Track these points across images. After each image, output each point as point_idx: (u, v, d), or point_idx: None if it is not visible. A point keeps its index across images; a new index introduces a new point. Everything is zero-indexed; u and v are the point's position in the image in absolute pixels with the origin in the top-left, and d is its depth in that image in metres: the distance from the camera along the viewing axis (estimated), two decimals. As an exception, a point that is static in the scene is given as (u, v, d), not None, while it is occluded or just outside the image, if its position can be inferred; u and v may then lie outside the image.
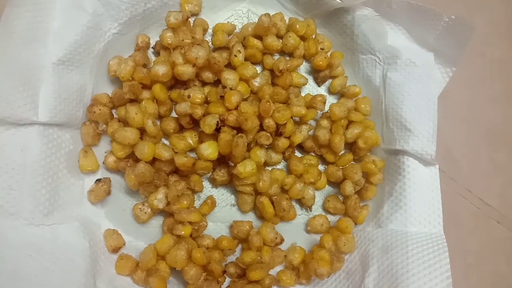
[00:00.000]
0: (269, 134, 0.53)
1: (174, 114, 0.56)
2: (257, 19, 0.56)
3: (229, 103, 0.51)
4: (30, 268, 0.44)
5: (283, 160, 0.58)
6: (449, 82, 0.57)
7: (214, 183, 0.56)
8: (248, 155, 0.52)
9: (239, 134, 0.50)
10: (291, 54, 0.60)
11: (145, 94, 0.54)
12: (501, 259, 0.62)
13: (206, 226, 0.54)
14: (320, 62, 0.58)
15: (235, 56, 0.55)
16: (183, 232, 0.50)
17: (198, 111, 0.51)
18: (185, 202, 0.52)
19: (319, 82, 0.61)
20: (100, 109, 0.52)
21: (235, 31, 0.59)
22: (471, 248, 0.61)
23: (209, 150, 0.51)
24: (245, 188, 0.54)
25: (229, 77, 0.53)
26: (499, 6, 0.68)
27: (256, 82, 0.56)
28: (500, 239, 0.62)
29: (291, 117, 0.54)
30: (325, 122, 0.57)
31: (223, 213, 0.56)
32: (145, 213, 0.52)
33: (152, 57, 0.58)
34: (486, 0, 0.68)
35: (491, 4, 0.68)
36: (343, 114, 0.56)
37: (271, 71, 0.57)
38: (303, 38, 0.59)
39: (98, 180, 0.52)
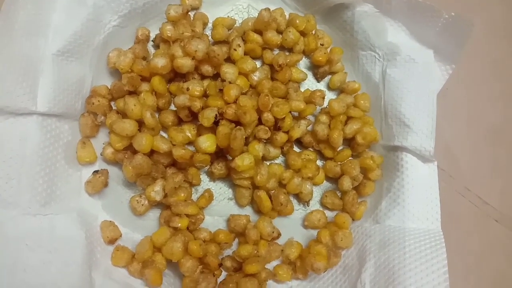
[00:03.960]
0: (267, 128, 0.53)
1: (173, 107, 0.56)
2: (257, 14, 0.56)
3: (228, 97, 0.51)
4: (27, 257, 0.44)
5: (281, 155, 0.57)
6: (449, 81, 0.57)
7: (212, 176, 0.56)
8: (246, 149, 0.52)
9: (237, 127, 0.50)
10: (290, 50, 0.60)
11: (144, 86, 0.54)
12: (501, 258, 0.61)
13: (203, 219, 0.54)
14: (320, 58, 0.58)
15: (235, 50, 0.55)
16: (179, 224, 0.50)
17: (197, 104, 0.51)
18: (183, 195, 0.52)
19: (318, 77, 0.61)
20: (99, 101, 0.52)
21: (235, 25, 0.59)
22: (470, 247, 0.61)
23: (207, 143, 0.51)
24: (243, 182, 0.53)
25: (228, 70, 0.53)
26: (498, 6, 0.69)
27: (255, 76, 0.56)
28: (500, 238, 0.62)
29: (290, 112, 0.54)
30: (324, 118, 0.57)
31: (220, 206, 0.56)
32: (142, 205, 0.52)
33: (152, 51, 0.58)
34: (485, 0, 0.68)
35: (490, 4, 0.68)
36: (342, 110, 0.56)
37: (271, 66, 0.57)
38: (303, 33, 0.59)
39: (96, 172, 0.52)
